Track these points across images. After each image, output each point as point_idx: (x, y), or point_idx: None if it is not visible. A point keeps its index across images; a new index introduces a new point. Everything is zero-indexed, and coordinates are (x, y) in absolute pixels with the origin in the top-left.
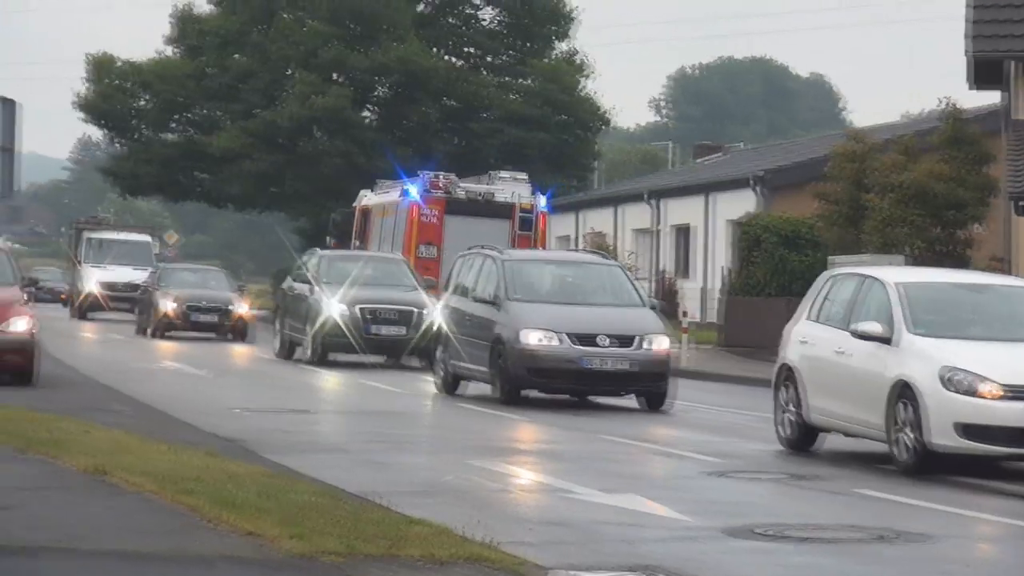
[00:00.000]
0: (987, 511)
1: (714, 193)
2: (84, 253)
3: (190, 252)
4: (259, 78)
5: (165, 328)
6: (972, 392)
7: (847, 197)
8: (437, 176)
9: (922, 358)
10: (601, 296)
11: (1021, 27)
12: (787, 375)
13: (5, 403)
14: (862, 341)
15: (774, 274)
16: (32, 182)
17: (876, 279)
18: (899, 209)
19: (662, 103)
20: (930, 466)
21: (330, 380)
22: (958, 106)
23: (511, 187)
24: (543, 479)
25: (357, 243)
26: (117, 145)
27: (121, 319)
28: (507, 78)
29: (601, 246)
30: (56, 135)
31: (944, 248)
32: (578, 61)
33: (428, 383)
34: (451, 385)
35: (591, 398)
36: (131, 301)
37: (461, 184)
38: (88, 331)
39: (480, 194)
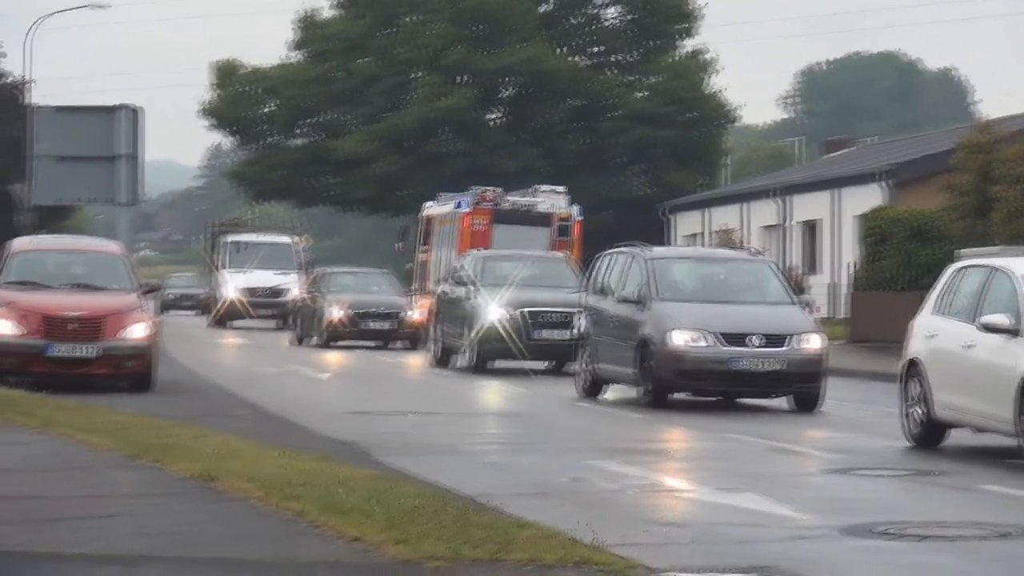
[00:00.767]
0: None
1: (841, 188)
2: (223, 257)
3: (322, 257)
4: (384, 81)
5: (332, 337)
6: None
7: (974, 189)
8: (486, 191)
9: None
10: (750, 294)
11: None
12: (913, 370)
13: (122, 409)
14: (989, 334)
15: (903, 268)
16: (166, 191)
17: (1003, 271)
18: None
19: (791, 100)
20: None
21: (468, 384)
22: None
23: (550, 199)
24: (660, 479)
25: (424, 248)
26: (244, 151)
27: (263, 326)
28: (632, 76)
29: (729, 243)
30: (190, 143)
31: None
32: (703, 58)
33: (571, 387)
34: (593, 389)
35: (740, 400)
36: (274, 307)
37: (507, 197)
38: (232, 340)
39: (523, 205)
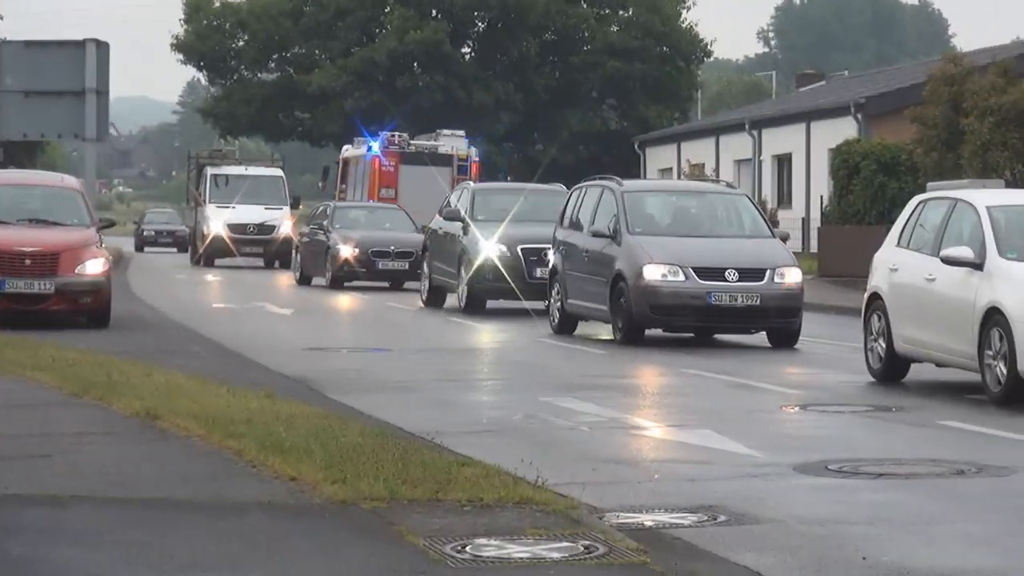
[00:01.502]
0: None
1: (814, 121)
2: (206, 191)
3: (300, 192)
4: (356, 15)
5: (343, 278)
6: None
7: (944, 121)
8: (393, 135)
9: (1014, 284)
10: (727, 227)
11: None
12: (875, 304)
13: (76, 346)
14: (951, 267)
15: (872, 202)
16: (142, 126)
17: (967, 203)
18: (998, 133)
19: (770, 34)
20: (1021, 396)
21: (446, 323)
22: None
23: (451, 142)
24: (615, 415)
25: (342, 187)
26: (215, 86)
27: (250, 264)
28: (606, 10)
29: (699, 178)
30: (165, 78)
31: None
32: None
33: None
34: (565, 326)
35: (717, 337)
36: (262, 245)
37: (412, 141)
38: (222, 281)
39: (427, 148)
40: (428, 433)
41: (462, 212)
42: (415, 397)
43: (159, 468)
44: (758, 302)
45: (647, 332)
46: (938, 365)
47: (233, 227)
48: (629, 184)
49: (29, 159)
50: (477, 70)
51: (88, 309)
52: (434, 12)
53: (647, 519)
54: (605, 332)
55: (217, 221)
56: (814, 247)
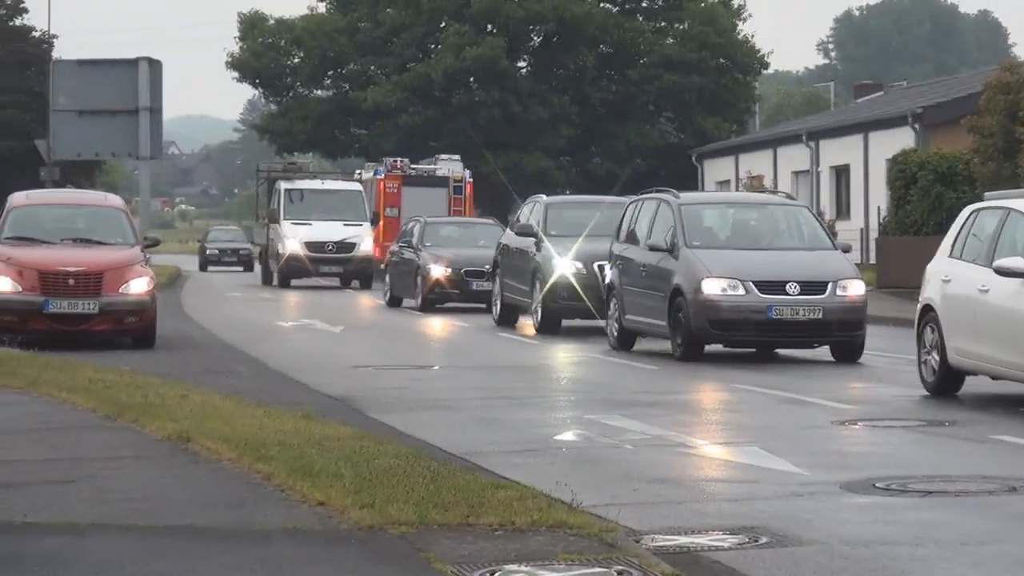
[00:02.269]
0: None
1: (872, 132)
2: (280, 207)
3: None
4: (412, 31)
5: (434, 300)
6: None
7: (1001, 130)
8: (396, 160)
9: None
10: (787, 240)
11: None
12: (928, 316)
13: (120, 367)
14: (1005, 278)
15: (929, 212)
16: (204, 144)
17: (1020, 212)
18: None
19: (829, 45)
20: None
21: (489, 337)
22: None
23: (448, 165)
24: (661, 433)
25: None
26: (271, 103)
27: (325, 284)
28: (662, 23)
29: (757, 190)
30: (227, 97)
31: None
32: (734, 4)
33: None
34: (623, 342)
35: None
36: (342, 264)
37: (412, 166)
38: (290, 301)
39: (425, 171)
40: (467, 453)
41: (535, 227)
42: (458, 416)
43: (186, 493)
44: (820, 316)
45: (707, 348)
46: (993, 378)
47: (311, 245)
48: (686, 196)
49: (87, 178)
50: (533, 84)
51: (133, 329)
52: (490, 27)
53: (686, 541)
54: (664, 348)
55: (293, 239)
56: (873, 259)
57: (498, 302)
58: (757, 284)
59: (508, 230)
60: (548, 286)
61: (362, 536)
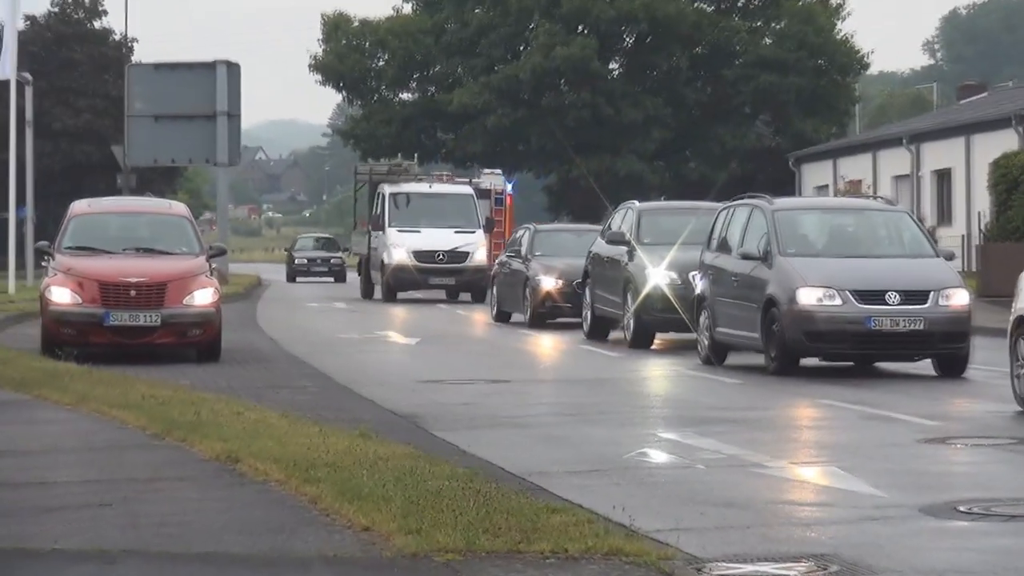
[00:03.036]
0: None
1: (974, 134)
2: (384, 213)
3: None
4: (499, 32)
5: (548, 315)
6: None
7: None
8: (442, 174)
9: None
10: (887, 247)
11: None
12: (1022, 329)
13: (180, 381)
14: None
15: None
16: (292, 150)
17: None
18: None
19: (935, 45)
20: None
21: (569, 349)
22: None
23: (490, 179)
24: (736, 452)
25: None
26: (355, 107)
27: (428, 298)
28: (758, 22)
29: (854, 195)
30: (316, 101)
31: None
32: (832, 3)
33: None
34: (717, 355)
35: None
36: (454, 275)
37: (457, 179)
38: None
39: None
40: (528, 473)
41: (627, 235)
42: (525, 433)
43: (225, 517)
44: (922, 326)
45: (803, 361)
46: None
47: (419, 254)
48: (780, 202)
49: (168, 185)
50: (625, 85)
51: (197, 342)
52: (580, 27)
53: (750, 570)
54: (758, 362)
55: (400, 248)
56: (975, 266)
57: (589, 314)
58: (855, 293)
59: (599, 238)
60: (641, 298)
61: (405, 564)
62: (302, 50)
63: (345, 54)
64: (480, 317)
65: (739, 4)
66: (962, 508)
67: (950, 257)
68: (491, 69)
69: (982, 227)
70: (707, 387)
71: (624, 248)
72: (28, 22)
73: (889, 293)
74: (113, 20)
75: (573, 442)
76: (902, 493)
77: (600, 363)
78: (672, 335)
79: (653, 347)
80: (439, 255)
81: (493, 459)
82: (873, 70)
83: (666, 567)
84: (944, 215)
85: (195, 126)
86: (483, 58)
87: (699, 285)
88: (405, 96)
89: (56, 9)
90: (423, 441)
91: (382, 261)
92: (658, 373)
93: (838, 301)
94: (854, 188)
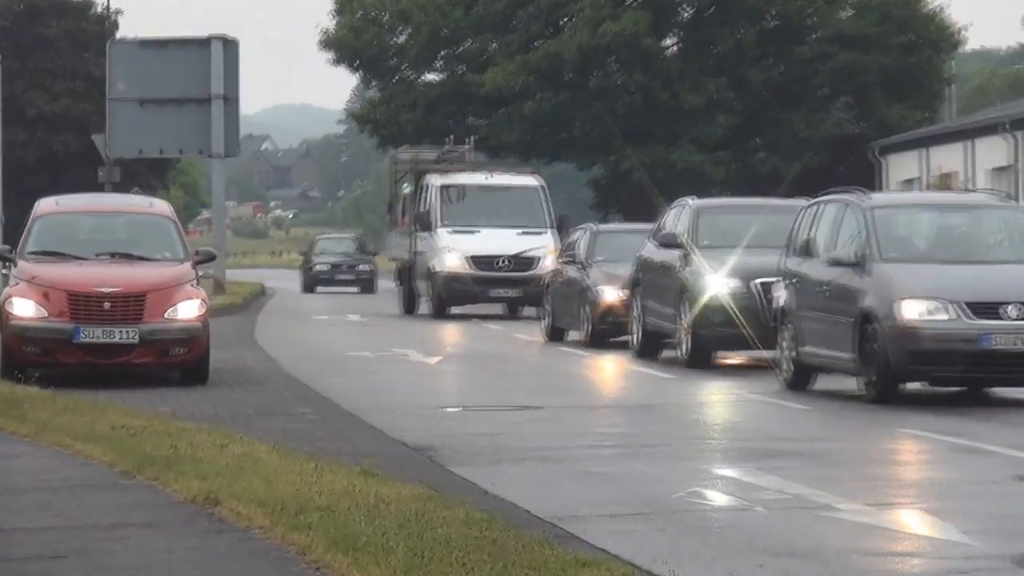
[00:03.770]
0: None
1: None
2: (438, 210)
3: None
4: (539, 3)
5: (609, 332)
6: None
7: None
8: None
9: None
10: (1002, 251)
11: None
12: None
13: (158, 408)
14: None
15: None
16: (304, 138)
17: None
18: None
19: None
20: None
21: (615, 369)
22: None
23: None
24: (801, 491)
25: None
26: (373, 88)
27: (479, 312)
28: None
29: (949, 190)
30: (332, 83)
31: None
32: None
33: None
34: (799, 379)
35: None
36: (520, 285)
37: (521, 169)
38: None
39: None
40: (557, 517)
41: (682, 237)
42: (557, 469)
43: (198, 572)
44: None
45: (907, 386)
46: None
47: (477, 261)
48: (878, 198)
49: (158, 179)
50: (683, 65)
51: (180, 362)
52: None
53: None
54: (848, 388)
55: (454, 252)
56: None
57: (638, 329)
58: (968, 306)
59: (649, 241)
60: (698, 309)
61: None
62: (312, 24)
63: (361, 28)
64: (520, 335)
65: None
66: None
67: None
68: (529, 46)
69: None
70: (773, 414)
71: (678, 252)
72: None
73: (1007, 306)
74: None
75: (613, 480)
76: (995, 541)
77: (650, 386)
78: (736, 354)
79: (713, 367)
80: (501, 261)
81: (518, 500)
82: (969, 47)
83: None
84: None
85: (186, 112)
86: (520, 33)
87: (781, 296)
88: (430, 77)
89: None
90: (437, 479)
91: (430, 268)
92: (717, 398)
93: (946, 315)
94: (943, 183)
